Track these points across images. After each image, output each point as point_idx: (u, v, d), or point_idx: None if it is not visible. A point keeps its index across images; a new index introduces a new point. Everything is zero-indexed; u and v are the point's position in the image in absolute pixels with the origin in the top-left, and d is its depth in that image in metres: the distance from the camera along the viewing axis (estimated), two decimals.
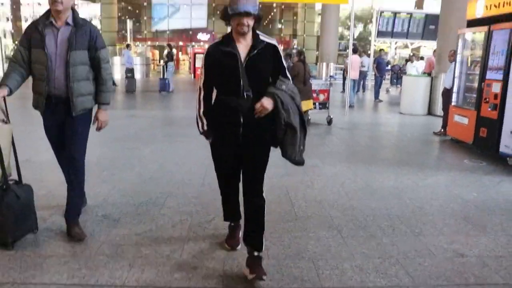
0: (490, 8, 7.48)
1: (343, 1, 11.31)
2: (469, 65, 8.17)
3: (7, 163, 3.29)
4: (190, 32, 34.22)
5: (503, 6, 7.08)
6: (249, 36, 2.86)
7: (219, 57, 2.83)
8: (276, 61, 2.93)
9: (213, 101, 3.02)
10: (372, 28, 24.89)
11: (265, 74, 2.92)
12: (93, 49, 3.47)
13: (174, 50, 36.24)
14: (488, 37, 7.17)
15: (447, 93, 8.79)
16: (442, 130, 8.88)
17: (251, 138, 2.89)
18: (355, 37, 35.84)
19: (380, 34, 22.27)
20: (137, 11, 37.68)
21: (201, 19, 34.69)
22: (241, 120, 2.83)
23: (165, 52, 18.75)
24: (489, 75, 7.07)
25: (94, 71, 3.54)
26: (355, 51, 13.92)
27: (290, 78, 2.98)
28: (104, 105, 3.63)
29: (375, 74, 16.40)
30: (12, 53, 3.53)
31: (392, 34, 22.26)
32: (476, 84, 7.59)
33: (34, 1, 35.82)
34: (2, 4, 35.71)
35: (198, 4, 34.24)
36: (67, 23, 3.39)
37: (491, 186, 5.44)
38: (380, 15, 21.80)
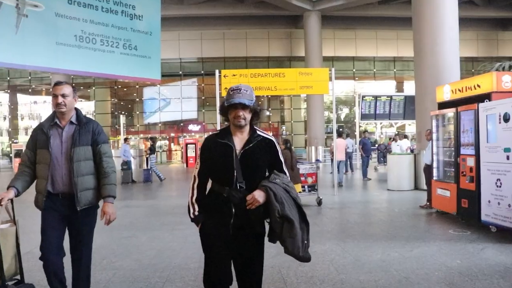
0: (456, 92, 8.22)
1: (324, 91, 12.08)
2: (445, 142, 8.73)
3: (9, 264, 3.41)
4: (181, 124, 35.30)
5: (466, 90, 7.80)
6: (246, 130, 2.96)
7: (215, 148, 2.92)
8: (273, 156, 3.00)
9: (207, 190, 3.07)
10: (356, 111, 25.99)
11: (260, 168, 2.96)
12: (95, 144, 3.61)
13: (166, 142, 37.32)
14: (457, 117, 7.79)
15: (428, 169, 9.28)
16: (428, 203, 9.25)
17: (242, 230, 2.87)
18: (342, 119, 37.19)
19: (363, 116, 23.26)
20: (129, 106, 39.05)
21: (191, 111, 35.98)
22: (233, 210, 2.83)
23: (148, 145, 19.82)
24: (463, 150, 7.60)
25: (97, 165, 3.63)
26: (339, 134, 14.64)
27: (287, 173, 3.03)
28: (110, 197, 3.62)
29: (361, 155, 17.02)
30: (19, 154, 4.00)
31: (375, 116, 23.25)
32: (453, 159, 8.09)
33: (30, 100, 37.20)
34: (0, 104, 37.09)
35: (188, 98, 35.66)
36: (71, 122, 3.59)
37: (475, 253, 5.72)
38: (362, 99, 22.93)
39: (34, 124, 36.94)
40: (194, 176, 3.04)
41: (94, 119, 4.02)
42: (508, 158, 6.31)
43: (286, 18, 31.95)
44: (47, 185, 3.47)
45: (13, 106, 37.06)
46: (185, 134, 34.67)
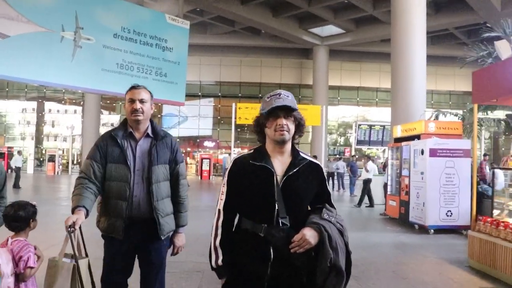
0: (404, 132, 11.56)
1: (316, 123, 15.40)
2: (395, 167, 12.03)
3: None
4: (198, 140, 38.85)
5: (408, 131, 11.15)
6: (288, 150, 2.33)
7: (249, 173, 2.27)
8: (320, 185, 2.37)
9: (233, 228, 2.39)
10: (352, 138, 29.28)
11: (306, 199, 2.33)
12: (173, 162, 3.12)
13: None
14: (400, 150, 11.10)
15: (385, 186, 12.56)
16: (385, 211, 12.48)
17: (281, 282, 2.20)
18: (341, 143, 40.46)
19: (359, 142, 26.59)
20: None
21: (207, 129, 39.57)
22: (271, 254, 2.17)
23: None
24: (403, 172, 10.87)
25: (172, 188, 3.14)
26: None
27: (335, 208, 2.40)
28: (182, 227, 3.18)
29: (349, 175, 20.25)
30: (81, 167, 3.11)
31: (369, 142, 26.56)
32: (399, 179, 11.37)
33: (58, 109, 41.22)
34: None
35: (205, 116, 39.31)
36: (147, 135, 3.07)
37: (393, 237, 8.98)
38: (358, 127, 26.25)
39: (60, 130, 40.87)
40: (219, 210, 2.35)
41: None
42: (422, 178, 9.59)
43: (298, 50, 35.66)
44: (128, 207, 2.93)
45: (41, 114, 41.03)
46: (200, 149, 38.16)
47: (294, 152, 2.35)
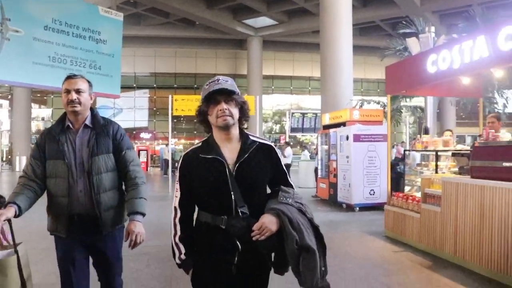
0: (331, 119, 12.53)
1: (250, 113, 16.09)
2: (325, 152, 13.03)
3: None
4: (134, 132, 38.59)
5: (336, 118, 12.13)
6: (235, 136, 2.28)
7: (200, 167, 2.22)
8: (274, 166, 2.33)
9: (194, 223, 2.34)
10: (286, 126, 30.42)
11: (263, 184, 2.31)
12: (118, 150, 2.96)
13: None
14: (328, 136, 12.07)
15: (316, 171, 13.54)
16: (316, 193, 13.46)
17: (246, 268, 2.21)
18: (277, 131, 41.66)
19: (293, 130, 27.69)
20: None
21: (143, 120, 39.40)
22: (238, 245, 2.16)
23: None
24: (331, 157, 11.85)
25: (123, 177, 3.00)
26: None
27: (294, 186, 2.39)
28: (137, 214, 2.88)
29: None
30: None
31: (303, 130, 27.72)
32: (328, 163, 12.35)
33: None
34: None
35: (140, 108, 39.12)
36: (85, 126, 2.92)
37: (322, 216, 9.87)
38: (292, 115, 27.33)
39: None
40: (175, 207, 2.31)
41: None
42: (347, 161, 10.58)
43: (232, 41, 36.25)
44: (69, 204, 2.82)
45: None
46: (137, 141, 37.96)
47: (243, 137, 2.30)
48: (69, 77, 2.89)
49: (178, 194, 2.32)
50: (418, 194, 6.92)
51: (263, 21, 32.19)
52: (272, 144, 2.39)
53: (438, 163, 6.89)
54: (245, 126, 2.38)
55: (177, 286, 4.95)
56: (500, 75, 7.11)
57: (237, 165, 2.21)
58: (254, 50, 34.32)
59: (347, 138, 10.64)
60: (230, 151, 2.25)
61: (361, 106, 16.66)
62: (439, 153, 7.05)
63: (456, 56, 5.53)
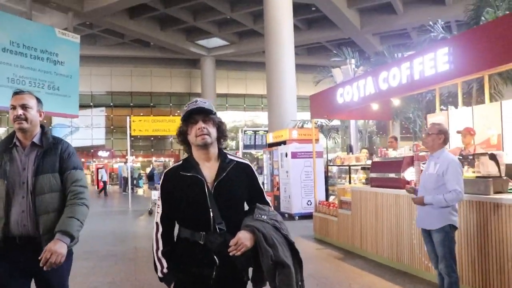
0: (274, 138, 13.97)
1: None
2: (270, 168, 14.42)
3: None
4: (91, 150, 38.95)
5: (278, 137, 13.58)
6: (214, 155, 2.39)
7: (180, 184, 2.32)
8: (251, 184, 2.44)
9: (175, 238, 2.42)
10: (239, 142, 31.77)
11: (240, 201, 2.40)
12: (64, 169, 2.79)
13: None
14: (272, 153, 13.48)
15: (262, 184, 14.91)
16: None
17: (225, 282, 2.30)
18: (233, 147, 42.94)
19: (245, 147, 28.91)
20: None
21: (100, 138, 39.87)
22: (216, 260, 2.25)
23: None
24: (275, 172, 13.24)
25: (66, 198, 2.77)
26: None
27: (270, 204, 2.49)
28: (62, 233, 2.61)
29: None
30: None
31: (255, 147, 29.05)
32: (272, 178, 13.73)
33: None
34: None
35: (97, 126, 39.61)
36: (33, 144, 2.77)
37: None
38: (244, 133, 28.65)
39: None
40: (156, 223, 2.39)
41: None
42: (287, 176, 12.01)
43: (186, 60, 37.53)
44: (5, 226, 2.64)
45: None
46: (95, 159, 38.33)
47: (222, 156, 2.39)
48: (16, 93, 2.79)
49: (159, 210, 2.39)
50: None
51: (215, 41, 33.66)
52: (249, 163, 2.49)
53: (353, 175, 8.38)
54: (223, 145, 2.47)
55: (142, 280, 6.13)
56: (397, 103, 8.70)
57: (216, 183, 2.30)
58: (208, 69, 35.72)
59: (286, 155, 12.08)
60: (209, 170, 2.34)
61: (302, 126, 18.21)
62: (351, 168, 8.56)
63: (355, 90, 7.07)
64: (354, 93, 7.09)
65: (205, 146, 2.33)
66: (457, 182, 4.06)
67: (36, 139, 2.79)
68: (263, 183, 14.86)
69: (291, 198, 11.89)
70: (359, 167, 8.57)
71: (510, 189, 4.88)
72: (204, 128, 2.29)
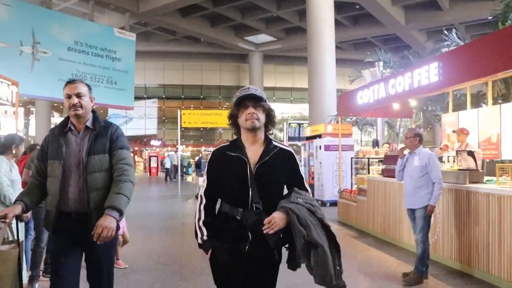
0: (311, 132, 15.15)
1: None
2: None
3: None
4: (144, 139, 41.38)
5: (313, 132, 14.75)
6: (261, 140, 2.54)
7: (225, 163, 2.50)
8: (292, 170, 2.57)
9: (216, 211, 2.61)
10: (284, 134, 33.00)
11: (278, 185, 2.54)
12: (112, 149, 3.00)
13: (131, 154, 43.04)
14: (309, 146, 14.66)
15: None
16: None
17: (257, 258, 2.47)
18: (281, 138, 44.17)
19: (290, 139, 30.10)
20: None
21: (152, 128, 42.25)
22: (249, 235, 2.41)
23: None
24: (310, 163, 14.43)
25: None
26: None
27: (309, 190, 2.61)
28: (111, 209, 2.80)
29: None
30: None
31: (299, 139, 30.17)
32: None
33: None
34: None
35: (150, 117, 42.02)
36: (86, 127, 3.01)
37: None
38: (289, 125, 29.83)
39: None
40: (201, 196, 2.58)
41: None
42: (320, 166, 13.18)
43: (235, 55, 39.00)
44: (59, 202, 2.89)
45: None
46: (147, 148, 40.73)
47: (267, 141, 2.53)
48: (69, 82, 3.00)
49: (204, 184, 2.57)
50: None
51: (263, 37, 34.89)
52: (292, 151, 2.61)
53: (371, 167, 9.47)
54: (271, 132, 2.61)
55: (187, 247, 7.53)
56: (414, 103, 9.67)
57: (258, 165, 2.45)
58: (255, 64, 37.11)
59: (320, 147, 13.25)
60: (253, 152, 2.49)
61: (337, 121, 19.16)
62: (370, 160, 9.66)
63: (371, 94, 8.18)
64: (370, 96, 8.20)
65: (253, 130, 2.48)
66: (437, 174, 5.21)
67: (89, 123, 3.02)
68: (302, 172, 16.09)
69: (323, 187, 13.08)
70: (377, 160, 9.64)
71: (488, 181, 5.93)
72: (254, 113, 2.44)
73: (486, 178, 6.00)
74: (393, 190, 7.40)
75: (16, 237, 3.08)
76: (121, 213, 2.83)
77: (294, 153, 2.61)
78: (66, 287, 2.88)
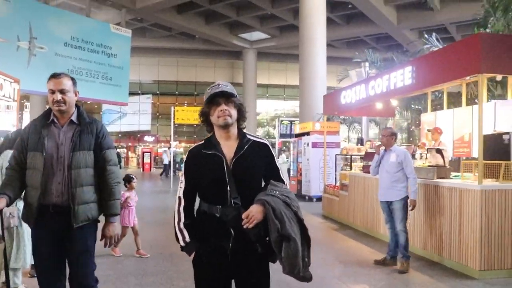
0: (300, 129, 15.62)
1: None
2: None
3: None
4: (138, 135, 41.74)
5: (302, 129, 15.23)
6: (234, 135, 2.54)
7: (202, 161, 2.49)
8: (268, 162, 2.58)
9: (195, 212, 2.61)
10: (276, 131, 33.48)
11: (255, 178, 2.56)
12: (99, 149, 3.03)
13: (124, 150, 43.50)
14: (297, 143, 15.13)
15: (288, 171, 16.59)
16: None
17: (242, 254, 2.45)
18: (273, 135, 44.74)
19: (282, 136, 30.56)
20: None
21: (146, 124, 42.62)
22: (232, 232, 2.41)
23: None
24: (299, 159, 14.90)
25: (99, 176, 3.06)
26: None
27: (286, 181, 2.64)
28: (113, 216, 3.07)
29: None
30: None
31: (290, 136, 30.63)
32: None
33: None
34: None
35: (144, 113, 42.34)
36: (71, 121, 3.00)
37: None
38: (281, 123, 30.27)
39: None
40: (179, 197, 2.58)
41: None
42: (308, 163, 13.66)
43: (229, 52, 39.47)
44: (41, 195, 2.89)
45: None
46: (141, 143, 41.10)
47: (241, 135, 2.53)
48: (53, 76, 2.94)
49: (182, 185, 2.56)
50: None
51: (257, 35, 35.34)
52: (267, 142, 2.61)
53: (354, 163, 9.95)
54: (243, 126, 2.60)
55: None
56: (395, 103, 10.15)
57: (234, 160, 2.44)
58: (249, 61, 37.56)
59: (308, 144, 13.72)
60: (228, 148, 2.48)
61: (328, 119, 19.69)
62: (354, 157, 10.15)
63: (353, 94, 8.65)
64: (352, 96, 8.67)
65: (226, 126, 2.47)
66: (412, 170, 5.70)
67: (74, 118, 3.02)
68: (289, 169, 16.55)
69: (310, 182, 13.56)
70: (359, 157, 10.14)
71: (455, 176, 6.42)
72: (226, 110, 2.44)
73: (454, 174, 6.50)
74: (371, 185, 7.87)
75: (0, 232, 3.04)
76: (117, 216, 3.12)
77: (269, 145, 2.62)
78: (50, 280, 2.97)
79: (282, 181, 2.56)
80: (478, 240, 5.20)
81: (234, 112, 2.48)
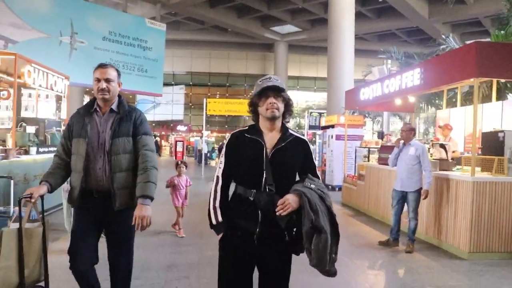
0: (326, 122, 16.30)
1: None
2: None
3: (31, 269, 3.03)
4: (171, 124, 43.07)
5: (328, 122, 15.90)
6: (278, 127, 2.62)
7: (243, 145, 2.57)
8: (306, 158, 2.66)
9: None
10: (305, 123, 34.10)
11: (292, 170, 2.62)
12: (135, 134, 3.15)
13: (157, 138, 44.91)
14: (323, 135, 15.82)
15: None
16: None
17: (268, 240, 2.53)
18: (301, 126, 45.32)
19: (311, 127, 31.18)
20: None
21: (179, 114, 43.89)
22: (259, 216, 2.49)
23: None
24: (323, 150, 15.60)
25: (136, 161, 3.14)
26: None
27: (320, 178, 2.67)
28: (145, 198, 3.01)
29: None
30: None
31: (319, 127, 31.22)
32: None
33: None
34: None
35: (177, 103, 43.62)
36: (111, 110, 3.15)
37: None
38: (310, 114, 30.86)
39: None
40: (217, 177, 2.64)
41: None
42: (331, 154, 14.35)
43: (261, 45, 40.25)
44: (84, 179, 3.04)
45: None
46: (174, 133, 42.43)
47: (284, 129, 2.61)
48: (100, 66, 3.12)
49: (221, 165, 2.63)
50: None
51: (289, 28, 35.95)
52: (306, 139, 2.70)
53: (372, 155, 10.62)
54: (287, 120, 2.68)
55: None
56: (412, 99, 10.73)
57: (274, 150, 2.53)
58: (281, 53, 38.25)
59: (332, 137, 14.41)
60: (270, 138, 2.56)
61: (353, 113, 20.28)
62: (372, 149, 10.82)
63: (370, 91, 9.31)
64: (370, 93, 9.34)
65: (272, 119, 2.55)
66: (428, 163, 6.34)
67: (114, 106, 3.16)
68: (315, 159, 17.25)
69: (333, 173, 14.27)
70: (376, 149, 10.80)
71: (458, 169, 7.05)
72: (274, 103, 2.51)
73: (458, 167, 7.14)
74: (385, 175, 8.56)
75: (41, 217, 3.17)
76: (152, 199, 3.04)
77: (308, 142, 2.71)
78: (81, 261, 3.03)
79: (318, 177, 2.65)
80: (468, 225, 5.89)
81: (281, 106, 2.57)
